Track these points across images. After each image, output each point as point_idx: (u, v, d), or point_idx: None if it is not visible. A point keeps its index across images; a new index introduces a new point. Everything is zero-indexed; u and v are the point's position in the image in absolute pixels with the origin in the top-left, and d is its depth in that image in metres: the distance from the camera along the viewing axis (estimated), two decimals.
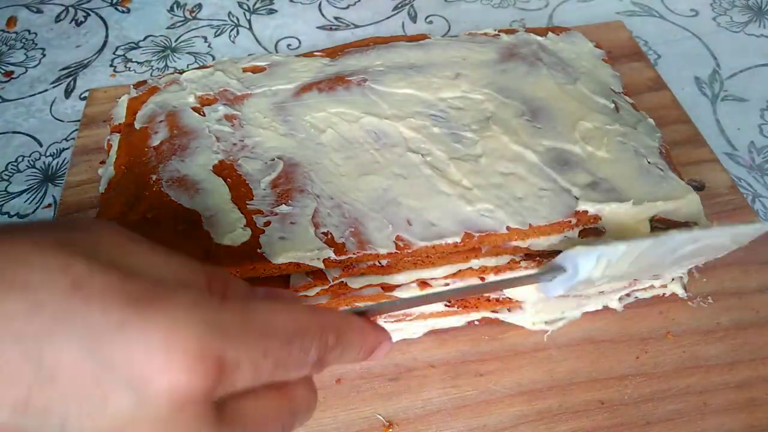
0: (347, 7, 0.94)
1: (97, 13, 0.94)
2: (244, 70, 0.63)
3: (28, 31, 0.91)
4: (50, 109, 0.80)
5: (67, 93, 0.82)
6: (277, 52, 0.87)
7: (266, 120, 0.57)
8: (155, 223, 0.50)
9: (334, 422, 0.52)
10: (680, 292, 0.57)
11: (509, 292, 0.53)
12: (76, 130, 0.75)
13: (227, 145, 0.55)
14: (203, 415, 0.25)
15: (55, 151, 0.75)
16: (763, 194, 0.69)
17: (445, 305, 0.54)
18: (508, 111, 0.56)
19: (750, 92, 0.79)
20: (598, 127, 0.55)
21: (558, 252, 0.46)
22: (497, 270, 0.51)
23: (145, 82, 0.64)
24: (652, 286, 0.57)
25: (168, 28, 0.92)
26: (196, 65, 0.83)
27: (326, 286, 0.50)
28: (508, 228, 0.48)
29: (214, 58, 0.86)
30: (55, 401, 0.24)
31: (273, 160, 0.53)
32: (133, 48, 0.89)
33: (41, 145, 0.76)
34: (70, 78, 0.84)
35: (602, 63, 0.64)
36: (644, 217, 0.50)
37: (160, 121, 0.58)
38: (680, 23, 0.89)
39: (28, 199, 0.71)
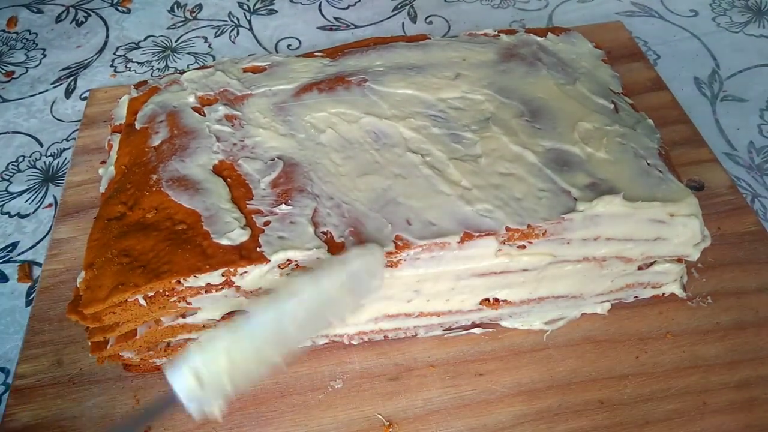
0: (347, 8, 0.94)
1: (97, 14, 0.95)
2: (245, 71, 0.63)
3: (29, 31, 0.92)
4: (51, 109, 0.81)
5: (68, 93, 0.83)
6: (277, 52, 0.87)
7: (266, 120, 0.57)
8: (155, 223, 0.50)
9: (334, 422, 0.52)
10: (679, 292, 0.58)
11: None
12: (77, 130, 0.75)
13: (227, 145, 0.55)
14: None
15: (55, 151, 0.76)
16: (762, 194, 0.69)
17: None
18: (507, 111, 0.57)
19: (749, 92, 0.79)
20: (598, 128, 0.55)
21: None
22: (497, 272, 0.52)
23: (145, 82, 0.64)
24: (650, 286, 0.57)
25: (168, 28, 0.92)
26: (196, 65, 0.83)
27: None
28: (507, 228, 0.48)
29: (214, 59, 0.86)
30: None
31: (273, 160, 0.54)
32: (134, 48, 0.89)
33: (42, 145, 0.76)
34: (71, 78, 0.84)
35: (602, 63, 0.64)
36: (642, 218, 0.50)
37: (161, 121, 0.58)
38: (680, 23, 0.89)
39: (29, 198, 0.71)
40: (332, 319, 0.47)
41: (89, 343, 0.51)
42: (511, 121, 0.56)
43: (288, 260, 0.47)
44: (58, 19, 0.93)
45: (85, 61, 0.87)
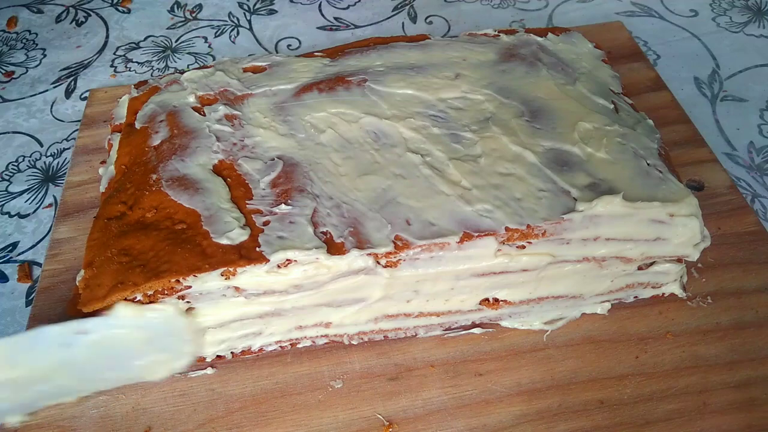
0: (347, 8, 0.94)
1: (97, 14, 0.95)
2: (245, 70, 0.63)
3: (29, 31, 0.92)
4: (51, 109, 0.81)
5: (68, 93, 0.83)
6: (277, 52, 0.87)
7: (266, 120, 0.57)
8: (155, 223, 0.50)
9: (334, 422, 0.52)
10: (679, 292, 0.57)
11: None
12: (77, 130, 0.75)
13: (227, 145, 0.55)
14: None
15: (55, 151, 0.76)
16: (762, 194, 0.69)
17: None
18: (507, 111, 0.57)
19: (749, 92, 0.79)
20: (598, 128, 0.55)
21: None
22: (496, 272, 0.52)
23: (145, 82, 0.64)
24: (650, 286, 0.57)
25: (168, 28, 0.92)
26: (196, 65, 0.83)
27: None
28: (506, 228, 0.48)
29: (214, 59, 0.86)
30: None
31: (273, 159, 0.54)
32: (134, 48, 0.89)
33: (42, 145, 0.76)
34: (71, 78, 0.84)
35: (602, 63, 0.64)
36: (642, 219, 0.50)
37: (161, 121, 0.58)
38: (680, 23, 0.89)
39: (29, 198, 0.71)
40: (137, 369, 0.49)
41: None
42: (511, 121, 0.56)
43: (287, 260, 0.47)
44: (58, 19, 0.93)
45: (85, 61, 0.87)
